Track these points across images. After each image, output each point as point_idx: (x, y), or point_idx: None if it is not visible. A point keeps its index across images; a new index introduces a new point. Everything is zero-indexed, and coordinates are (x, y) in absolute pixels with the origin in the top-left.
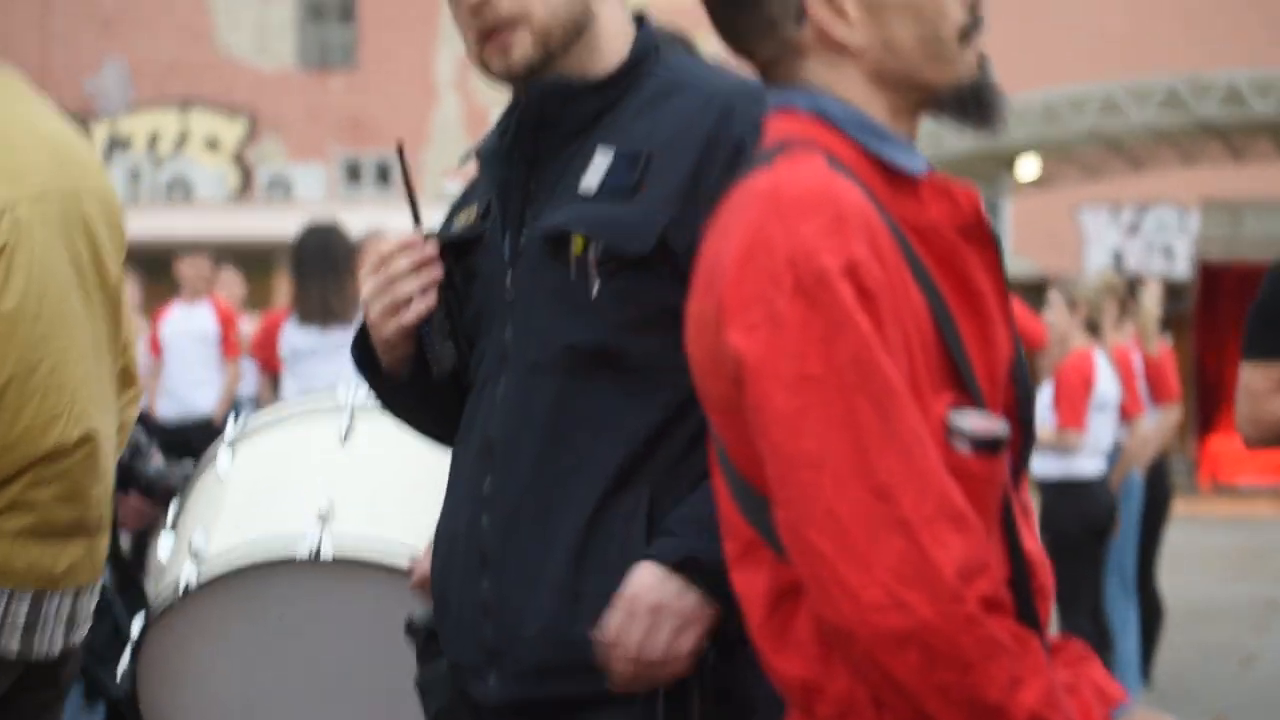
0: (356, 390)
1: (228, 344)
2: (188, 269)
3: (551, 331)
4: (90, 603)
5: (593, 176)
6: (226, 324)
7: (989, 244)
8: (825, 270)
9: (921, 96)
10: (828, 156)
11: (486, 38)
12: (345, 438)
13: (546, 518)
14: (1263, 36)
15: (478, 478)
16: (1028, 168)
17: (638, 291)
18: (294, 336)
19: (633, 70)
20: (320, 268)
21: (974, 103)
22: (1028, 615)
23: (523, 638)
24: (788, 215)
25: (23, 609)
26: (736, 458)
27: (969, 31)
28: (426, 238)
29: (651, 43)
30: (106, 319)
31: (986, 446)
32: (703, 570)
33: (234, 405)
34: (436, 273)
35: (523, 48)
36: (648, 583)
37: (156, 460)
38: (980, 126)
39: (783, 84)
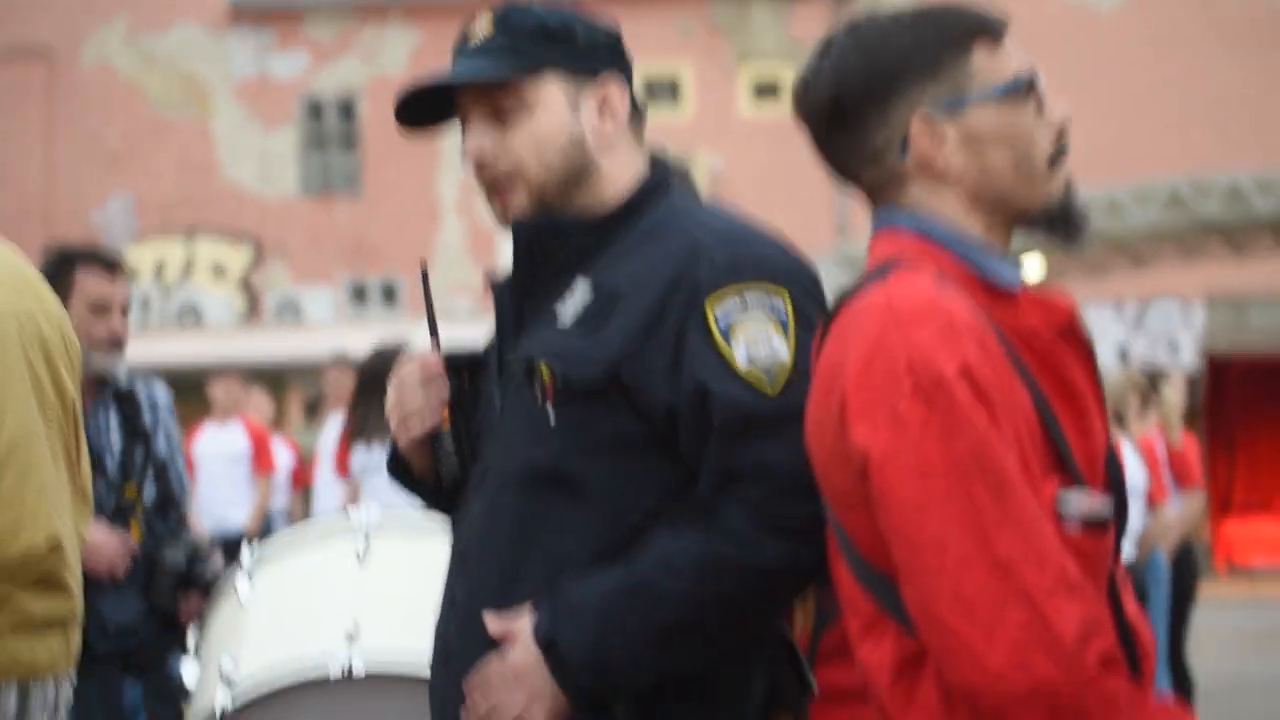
0: (369, 511)
1: (260, 462)
2: (219, 391)
3: (519, 451)
4: (67, 691)
5: (569, 310)
6: (258, 442)
7: (1084, 345)
8: (941, 373)
9: (1014, 216)
10: (933, 271)
11: (491, 190)
12: (362, 558)
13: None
14: (1261, 137)
15: (454, 586)
16: (1031, 267)
17: (590, 420)
18: (359, 455)
19: (631, 211)
20: (367, 388)
21: (1062, 221)
22: (1135, 673)
23: None
24: (905, 324)
25: (10, 700)
26: (860, 544)
27: (1056, 158)
28: (438, 357)
29: (660, 183)
30: (63, 434)
31: (1094, 524)
32: (559, 657)
33: (267, 521)
34: (443, 390)
35: (519, 202)
36: (520, 648)
37: (216, 562)
38: (1067, 242)
39: (885, 206)
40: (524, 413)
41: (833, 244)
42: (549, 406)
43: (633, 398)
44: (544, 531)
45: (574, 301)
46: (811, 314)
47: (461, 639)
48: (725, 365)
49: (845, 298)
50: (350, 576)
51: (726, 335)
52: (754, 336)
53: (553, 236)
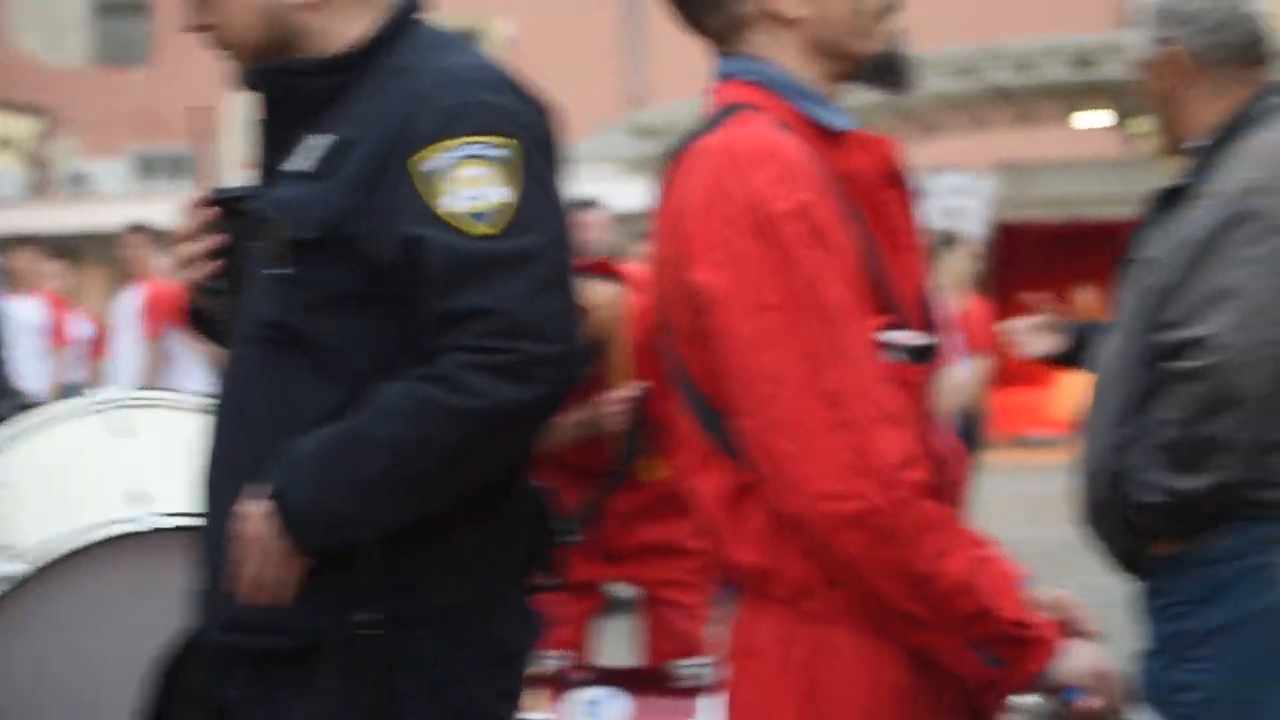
0: (118, 389)
1: (57, 334)
2: (19, 262)
3: (257, 306)
4: None
5: (303, 160)
6: (58, 314)
7: (904, 187)
8: (778, 213)
9: (846, 64)
10: (769, 117)
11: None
12: (123, 431)
13: (236, 486)
14: (1048, 4)
15: (212, 437)
16: None
17: (317, 274)
18: None
19: (362, 59)
20: None
21: (888, 70)
22: (948, 501)
23: (216, 591)
24: (742, 167)
25: None
26: (699, 379)
27: (886, 9)
28: (208, 202)
29: (396, 28)
30: None
31: (916, 356)
32: (286, 512)
33: (64, 394)
34: (215, 237)
35: (243, 63)
36: (253, 512)
37: None
38: (893, 90)
39: (727, 56)
40: (262, 267)
41: (626, 113)
42: (280, 260)
43: (357, 251)
44: (280, 386)
45: (311, 152)
46: (540, 160)
47: (208, 497)
48: (437, 212)
49: (685, 143)
50: (115, 449)
51: (440, 183)
52: (470, 183)
53: (281, 81)
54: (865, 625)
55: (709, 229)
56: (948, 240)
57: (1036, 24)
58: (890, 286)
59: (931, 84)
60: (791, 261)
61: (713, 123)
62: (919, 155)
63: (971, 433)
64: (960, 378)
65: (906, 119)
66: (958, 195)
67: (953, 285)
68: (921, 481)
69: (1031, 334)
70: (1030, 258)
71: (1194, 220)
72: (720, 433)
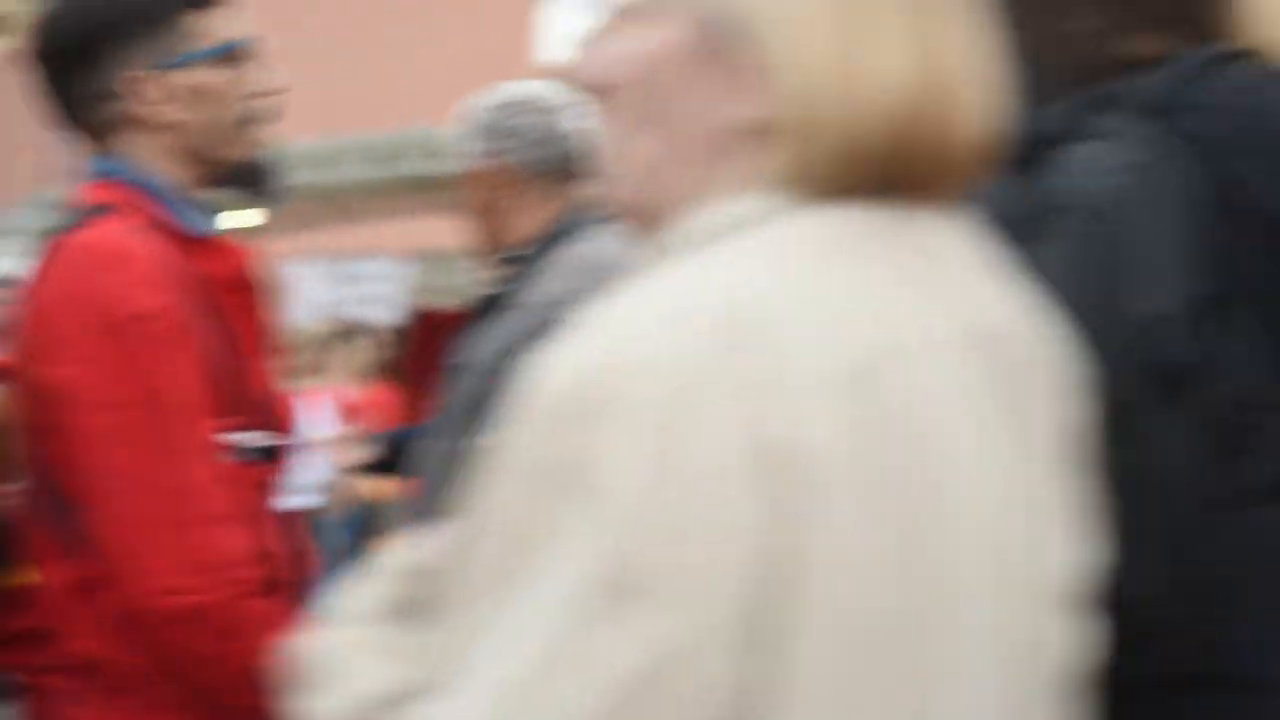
0: None
1: None
2: None
3: None
4: None
5: None
6: None
7: (254, 292)
8: (128, 315)
9: (213, 169)
10: (133, 219)
11: None
12: None
13: None
14: (469, 94)
15: None
16: (243, 220)
17: None
18: None
19: None
20: None
21: (252, 176)
22: (283, 599)
23: None
24: (98, 268)
25: None
26: (50, 471)
27: (248, 120)
28: None
29: None
30: None
31: (259, 456)
32: None
33: None
34: None
35: None
36: None
37: None
38: (255, 197)
39: (100, 155)
40: None
41: (34, 187)
42: None
43: None
44: None
45: None
46: None
47: None
48: None
49: (51, 239)
50: None
51: None
52: None
53: None
54: (193, 718)
55: (64, 327)
56: (348, 332)
57: (445, 113)
58: (241, 388)
59: (351, 170)
60: (140, 362)
61: (77, 221)
62: (340, 242)
63: (373, 523)
64: (361, 469)
65: (329, 203)
66: (374, 282)
67: (355, 374)
68: (255, 579)
69: (345, 446)
70: (447, 344)
71: (505, 328)
72: (68, 525)
